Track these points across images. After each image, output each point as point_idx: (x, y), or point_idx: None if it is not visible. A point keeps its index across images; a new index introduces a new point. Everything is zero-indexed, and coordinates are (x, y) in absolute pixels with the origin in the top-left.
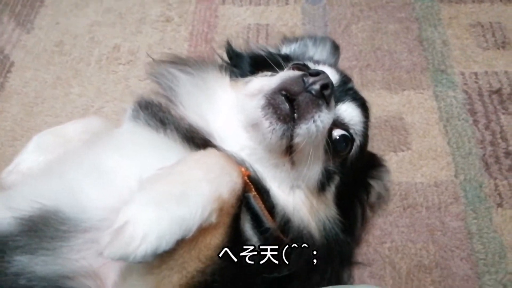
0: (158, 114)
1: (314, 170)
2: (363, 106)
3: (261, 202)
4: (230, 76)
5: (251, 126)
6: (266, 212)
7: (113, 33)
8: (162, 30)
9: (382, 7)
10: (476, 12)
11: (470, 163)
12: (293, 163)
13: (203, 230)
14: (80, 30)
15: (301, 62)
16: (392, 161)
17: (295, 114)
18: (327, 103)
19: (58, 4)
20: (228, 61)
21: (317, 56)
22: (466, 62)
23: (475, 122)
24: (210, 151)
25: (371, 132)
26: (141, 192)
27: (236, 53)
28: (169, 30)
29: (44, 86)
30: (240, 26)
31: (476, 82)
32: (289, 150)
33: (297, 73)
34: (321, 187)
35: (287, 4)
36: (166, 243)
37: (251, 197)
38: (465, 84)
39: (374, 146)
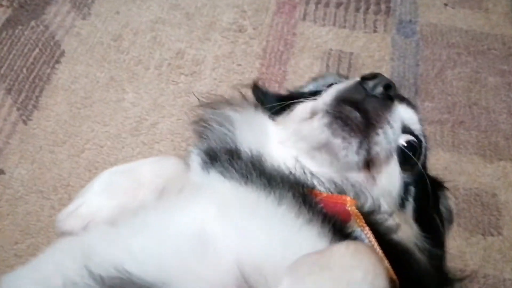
0: (255, 166)
1: (394, 183)
2: (412, 104)
3: (373, 237)
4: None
5: (317, 150)
6: (380, 249)
7: (178, 36)
8: (233, 41)
9: (483, 54)
10: None
11: None
12: (373, 178)
13: None
14: (142, 25)
15: (321, 83)
16: (479, 245)
17: (367, 122)
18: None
19: None
20: (257, 103)
21: None
22: None
23: None
24: (361, 245)
25: (459, 207)
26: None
27: (263, 93)
28: (240, 42)
29: (95, 86)
30: (320, 50)
31: None
32: (368, 164)
33: (350, 81)
34: (402, 203)
35: (375, 31)
36: None
37: (361, 233)
38: None
39: (460, 224)
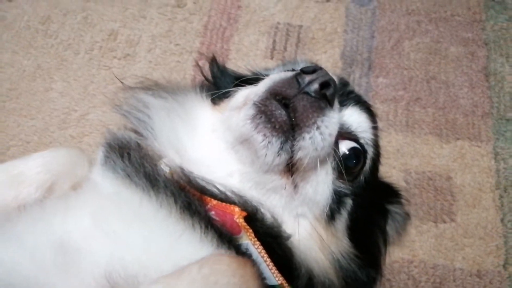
0: (142, 166)
1: (322, 193)
2: (369, 110)
3: (264, 251)
4: (212, 98)
5: (240, 144)
6: (272, 265)
7: (111, 15)
8: (171, 17)
9: (445, 21)
10: None
11: None
12: (295, 186)
13: None
14: (72, 5)
15: (288, 68)
16: (430, 233)
17: (293, 122)
18: (330, 105)
19: None
20: (211, 79)
21: None
22: None
23: None
24: (222, 264)
25: (410, 192)
26: None
27: (221, 70)
28: (179, 19)
29: (22, 76)
30: (266, 24)
31: None
32: (290, 169)
33: (288, 73)
34: (331, 215)
35: (328, 0)
36: None
37: (250, 246)
38: None
39: (411, 211)
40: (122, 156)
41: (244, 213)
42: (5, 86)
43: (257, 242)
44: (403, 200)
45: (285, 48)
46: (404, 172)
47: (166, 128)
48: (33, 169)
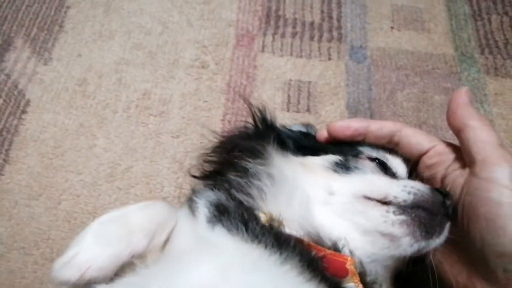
0: (270, 229)
1: None
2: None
3: None
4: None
5: (381, 235)
6: None
7: (142, 76)
8: (197, 77)
9: (428, 74)
10: None
11: None
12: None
13: None
14: (106, 68)
15: (374, 156)
16: None
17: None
18: None
19: (79, 31)
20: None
21: None
22: None
23: None
24: None
25: None
26: None
27: (267, 124)
28: (204, 79)
29: (65, 135)
30: (280, 81)
31: None
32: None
33: (434, 191)
34: None
35: (330, 59)
36: None
37: None
38: None
39: None
40: (246, 221)
41: (354, 261)
42: (50, 145)
43: (361, 285)
44: None
45: (298, 101)
46: None
47: (281, 199)
48: (139, 220)
